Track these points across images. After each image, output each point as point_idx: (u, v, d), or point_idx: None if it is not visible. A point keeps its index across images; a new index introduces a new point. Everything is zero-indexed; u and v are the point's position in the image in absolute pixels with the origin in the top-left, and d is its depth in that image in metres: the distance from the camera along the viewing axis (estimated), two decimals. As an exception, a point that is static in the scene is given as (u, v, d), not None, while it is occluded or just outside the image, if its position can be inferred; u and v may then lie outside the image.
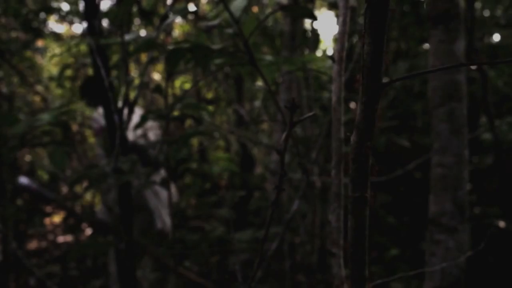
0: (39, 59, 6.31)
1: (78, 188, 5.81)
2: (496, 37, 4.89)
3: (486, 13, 4.80)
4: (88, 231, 5.87)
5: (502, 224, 3.96)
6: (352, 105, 3.84)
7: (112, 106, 2.10)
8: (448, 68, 0.80)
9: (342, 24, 1.15)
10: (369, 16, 0.61)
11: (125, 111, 2.23)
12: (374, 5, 0.60)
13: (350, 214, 0.76)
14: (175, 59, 1.66)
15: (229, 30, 1.47)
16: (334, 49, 1.18)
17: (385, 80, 0.67)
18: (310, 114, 0.81)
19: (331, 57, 1.16)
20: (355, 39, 4.08)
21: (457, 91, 2.30)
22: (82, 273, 4.64)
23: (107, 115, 2.16)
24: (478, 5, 4.69)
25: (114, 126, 2.13)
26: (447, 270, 2.22)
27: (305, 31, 3.95)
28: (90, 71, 5.57)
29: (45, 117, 2.01)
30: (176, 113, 2.53)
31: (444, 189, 2.28)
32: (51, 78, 5.60)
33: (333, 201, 1.12)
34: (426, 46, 4.78)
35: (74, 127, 5.88)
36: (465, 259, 2.24)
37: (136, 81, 2.66)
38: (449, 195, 2.27)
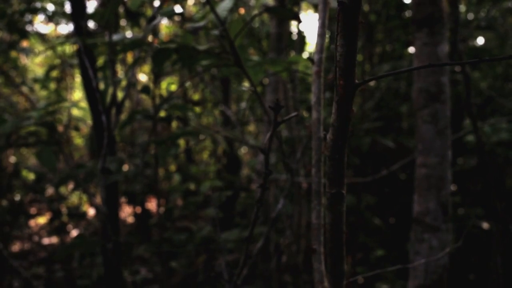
0: (23, 59, 6.26)
1: (63, 189, 5.77)
2: (480, 40, 4.96)
3: (470, 16, 4.86)
4: (74, 232, 5.84)
5: (485, 225, 4.01)
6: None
7: (100, 106, 2.11)
8: (421, 68, 0.82)
9: (321, 27, 1.17)
10: (342, 19, 0.63)
11: (113, 111, 2.24)
12: (346, 8, 0.62)
13: (326, 209, 0.78)
14: (161, 58, 1.68)
15: (215, 32, 1.48)
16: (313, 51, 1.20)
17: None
18: (294, 114, 0.83)
19: (310, 59, 1.18)
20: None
21: (441, 93, 2.34)
22: (67, 274, 4.61)
23: (95, 115, 2.16)
24: (462, 8, 4.75)
25: (102, 126, 2.14)
26: (431, 268, 2.25)
27: (291, 33, 3.97)
28: (76, 72, 5.54)
29: (34, 114, 2.01)
30: (163, 114, 2.54)
31: (428, 189, 2.32)
32: (35, 80, 5.56)
33: (314, 199, 1.14)
34: (411, 49, 4.82)
35: (60, 128, 5.83)
36: (448, 258, 2.28)
37: (124, 82, 2.66)
38: (433, 195, 2.30)
